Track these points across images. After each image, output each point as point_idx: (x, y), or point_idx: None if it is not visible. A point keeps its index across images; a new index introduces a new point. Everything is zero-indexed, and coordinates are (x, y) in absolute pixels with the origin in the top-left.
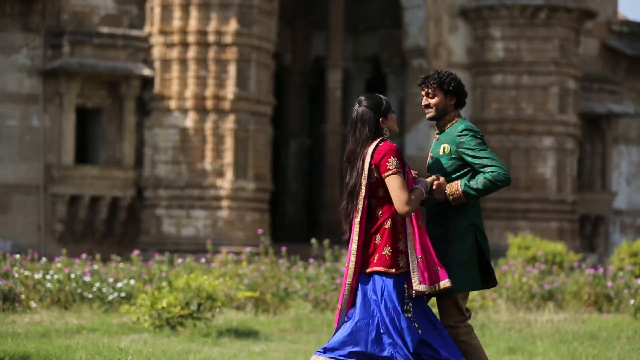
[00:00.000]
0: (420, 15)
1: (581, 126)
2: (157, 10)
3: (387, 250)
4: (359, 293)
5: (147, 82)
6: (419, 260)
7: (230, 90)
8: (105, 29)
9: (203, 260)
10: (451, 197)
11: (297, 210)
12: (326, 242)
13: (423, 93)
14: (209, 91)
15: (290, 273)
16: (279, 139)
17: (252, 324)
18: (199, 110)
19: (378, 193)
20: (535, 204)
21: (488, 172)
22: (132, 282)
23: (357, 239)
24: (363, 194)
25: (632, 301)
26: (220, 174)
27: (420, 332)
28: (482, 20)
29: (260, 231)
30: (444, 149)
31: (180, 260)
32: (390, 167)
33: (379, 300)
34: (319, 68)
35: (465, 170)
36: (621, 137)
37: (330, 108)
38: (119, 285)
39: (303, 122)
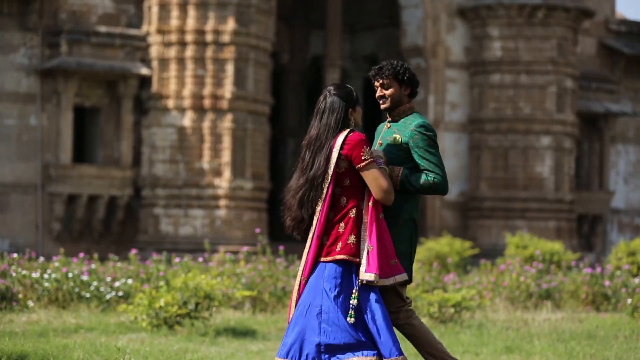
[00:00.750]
0: (418, 15)
1: (579, 125)
2: (155, 10)
3: (352, 239)
4: (312, 281)
5: (145, 81)
6: (369, 250)
7: (228, 90)
8: (103, 28)
9: (201, 259)
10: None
11: None
12: None
13: (377, 84)
14: (207, 90)
15: (288, 272)
16: (277, 138)
17: (249, 323)
18: (197, 110)
19: (344, 182)
20: (533, 203)
21: (431, 176)
22: (129, 281)
23: (314, 227)
24: (328, 183)
25: (629, 300)
26: (218, 173)
27: (351, 320)
28: (480, 19)
29: (257, 230)
30: (395, 138)
31: (177, 260)
32: (365, 158)
33: (333, 289)
34: (317, 67)
35: (411, 165)
36: (619, 136)
37: None
38: (117, 284)
39: (301, 121)
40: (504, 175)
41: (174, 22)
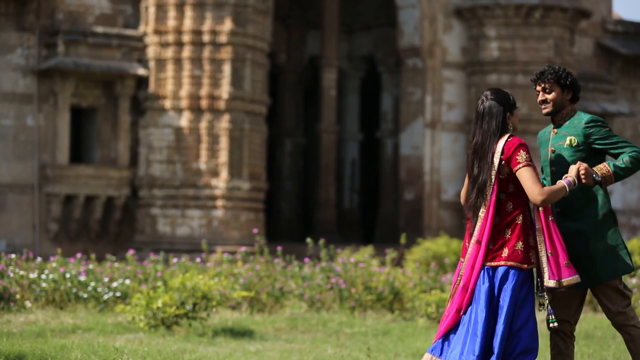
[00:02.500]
0: (415, 15)
1: None
2: (152, 10)
3: (519, 246)
4: (483, 290)
5: (142, 81)
6: (549, 255)
7: (225, 90)
8: (100, 29)
9: (198, 259)
10: (602, 179)
11: (292, 209)
12: (321, 241)
13: (539, 88)
14: (204, 90)
15: (286, 272)
16: (274, 138)
17: (247, 324)
18: (194, 110)
19: (508, 188)
20: None
21: (632, 151)
22: (127, 281)
23: (477, 232)
24: (491, 189)
25: None
26: (215, 173)
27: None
28: (476, 19)
29: (255, 230)
30: (570, 141)
31: (175, 260)
32: (521, 161)
33: (505, 296)
34: (314, 67)
35: (590, 163)
36: None
37: (325, 107)
38: (114, 284)
39: (298, 121)
40: None
41: (171, 23)
